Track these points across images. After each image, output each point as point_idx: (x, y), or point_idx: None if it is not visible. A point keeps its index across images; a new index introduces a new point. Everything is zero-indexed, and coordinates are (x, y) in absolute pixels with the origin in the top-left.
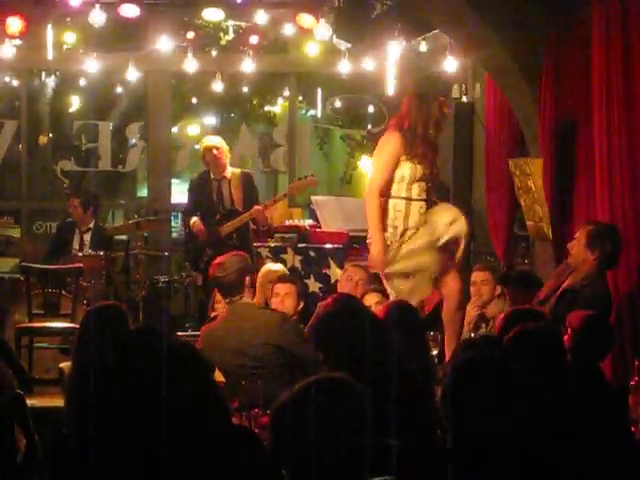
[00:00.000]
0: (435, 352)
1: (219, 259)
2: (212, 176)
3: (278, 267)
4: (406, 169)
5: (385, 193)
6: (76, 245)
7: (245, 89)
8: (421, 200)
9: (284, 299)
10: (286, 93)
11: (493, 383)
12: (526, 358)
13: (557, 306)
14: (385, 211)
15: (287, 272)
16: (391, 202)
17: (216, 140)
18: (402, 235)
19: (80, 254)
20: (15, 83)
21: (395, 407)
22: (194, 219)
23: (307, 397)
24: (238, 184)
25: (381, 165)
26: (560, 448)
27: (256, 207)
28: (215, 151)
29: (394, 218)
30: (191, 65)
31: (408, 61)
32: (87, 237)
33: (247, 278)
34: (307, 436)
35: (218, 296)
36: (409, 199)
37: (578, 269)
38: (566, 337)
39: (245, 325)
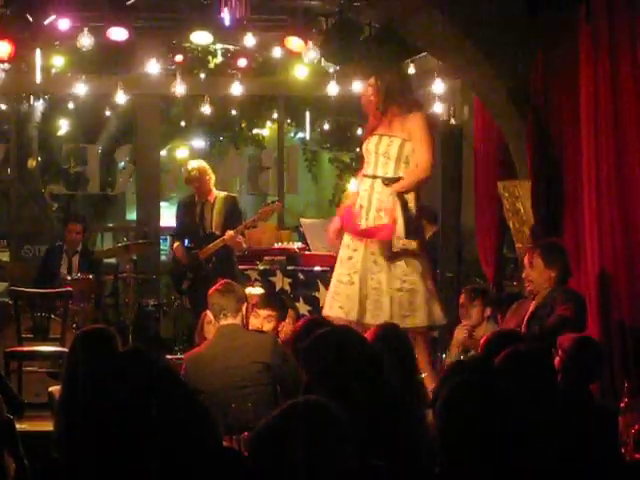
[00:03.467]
0: (424, 375)
1: (223, 281)
2: (197, 199)
3: (258, 291)
4: None
5: None
6: (65, 269)
7: (234, 112)
8: (365, 176)
9: (263, 323)
10: (275, 116)
11: (484, 406)
12: (517, 379)
13: (531, 322)
14: None
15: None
16: None
17: (196, 164)
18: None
19: (69, 278)
20: (4, 107)
21: (383, 430)
22: (176, 244)
23: (284, 423)
24: (220, 208)
25: None
26: (550, 470)
27: (228, 232)
28: (196, 173)
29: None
30: (180, 88)
31: None
32: (75, 260)
33: (246, 305)
34: (287, 462)
35: (208, 317)
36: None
37: (540, 292)
38: (557, 359)
39: (235, 345)
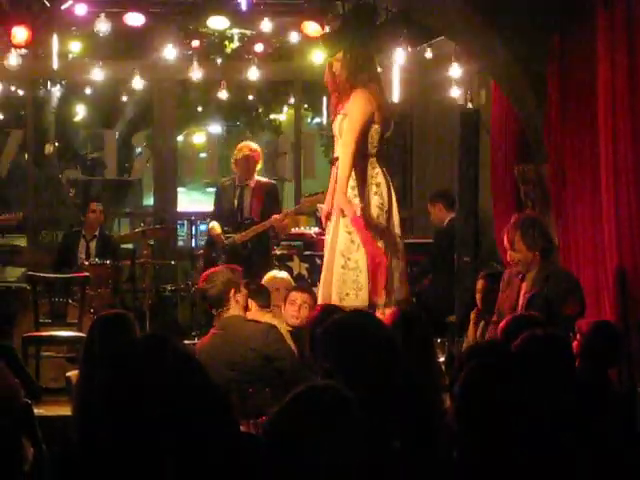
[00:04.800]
0: (442, 358)
1: (206, 272)
2: (237, 182)
3: (283, 274)
4: None
5: None
6: (82, 254)
7: (250, 97)
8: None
9: (301, 308)
10: (291, 101)
11: (502, 388)
12: (535, 363)
13: (529, 309)
14: None
15: (291, 280)
16: None
17: (255, 146)
18: None
19: (87, 263)
20: (21, 92)
21: (399, 414)
22: (212, 224)
23: (296, 408)
24: (260, 194)
25: None
26: (568, 455)
27: (274, 217)
28: (249, 152)
29: None
30: (196, 73)
31: None
32: (93, 245)
33: (232, 290)
34: (303, 446)
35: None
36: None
37: (529, 270)
38: (575, 343)
39: (233, 338)
